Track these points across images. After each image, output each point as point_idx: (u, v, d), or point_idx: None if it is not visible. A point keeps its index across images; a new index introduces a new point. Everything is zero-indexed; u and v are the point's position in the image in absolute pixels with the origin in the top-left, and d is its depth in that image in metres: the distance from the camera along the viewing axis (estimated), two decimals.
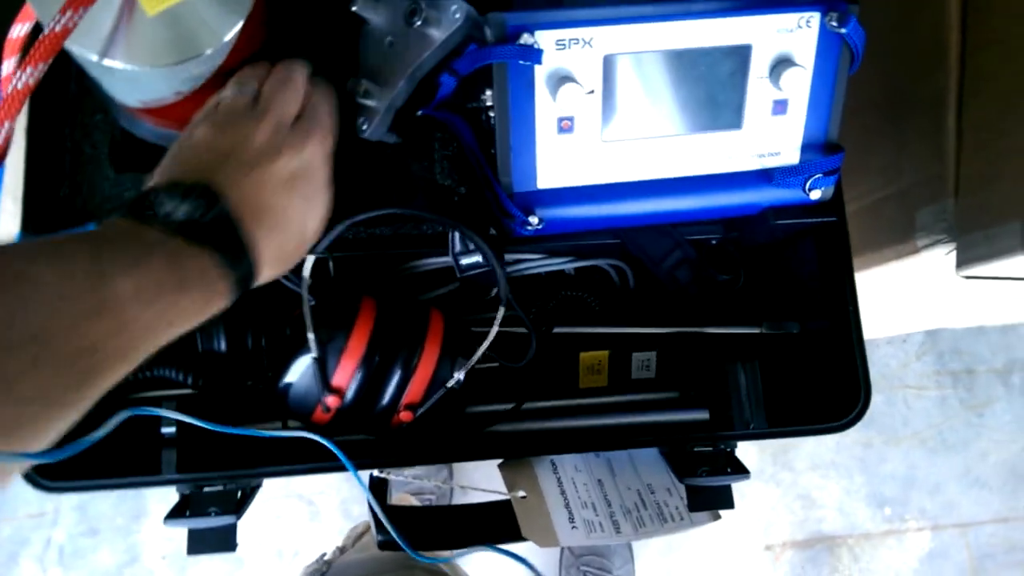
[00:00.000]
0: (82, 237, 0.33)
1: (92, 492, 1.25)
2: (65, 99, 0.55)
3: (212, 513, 0.47)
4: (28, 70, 0.40)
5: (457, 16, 0.51)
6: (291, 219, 0.40)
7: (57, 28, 0.39)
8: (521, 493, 0.51)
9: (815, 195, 0.54)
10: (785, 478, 1.43)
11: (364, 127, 0.51)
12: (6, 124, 0.43)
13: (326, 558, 0.85)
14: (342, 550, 0.88)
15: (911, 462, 1.45)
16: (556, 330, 0.61)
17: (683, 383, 0.63)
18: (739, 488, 0.54)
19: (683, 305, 0.61)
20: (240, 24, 0.44)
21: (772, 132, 0.53)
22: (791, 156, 0.54)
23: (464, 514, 0.52)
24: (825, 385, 0.58)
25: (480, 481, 0.55)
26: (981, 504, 1.45)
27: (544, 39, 0.48)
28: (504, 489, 0.53)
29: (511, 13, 0.48)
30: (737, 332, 0.61)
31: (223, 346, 0.54)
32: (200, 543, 0.47)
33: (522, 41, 0.47)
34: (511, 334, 0.58)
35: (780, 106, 0.52)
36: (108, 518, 1.27)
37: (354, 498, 1.26)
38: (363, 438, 0.53)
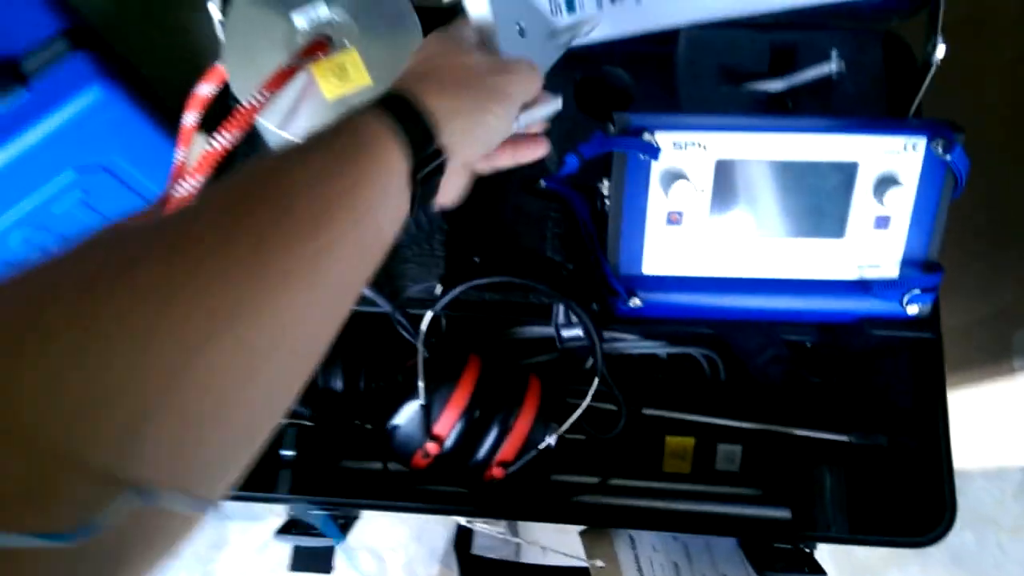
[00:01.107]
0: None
1: None
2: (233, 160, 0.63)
3: (315, 533, 0.51)
4: (225, 135, 0.47)
5: None
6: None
7: (253, 103, 0.46)
8: (600, 563, 0.53)
9: (912, 310, 0.56)
10: None
11: None
12: (199, 178, 0.50)
13: None
14: None
15: None
16: (645, 411, 0.63)
17: (767, 481, 0.64)
18: None
19: (772, 403, 0.62)
20: None
21: (873, 245, 0.55)
22: (890, 270, 0.56)
23: (544, 573, 0.54)
24: (909, 500, 0.58)
25: (543, 540, 0.57)
26: None
27: (663, 139, 0.53)
28: (574, 552, 0.55)
29: (635, 114, 0.54)
30: (825, 438, 0.62)
31: (340, 385, 0.59)
32: (302, 561, 0.51)
33: (644, 138, 0.52)
34: (601, 410, 0.61)
35: (882, 221, 0.55)
36: (188, 543, 1.32)
37: (420, 558, 1.28)
38: (455, 490, 0.56)
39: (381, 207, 0.34)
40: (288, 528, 0.52)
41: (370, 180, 0.34)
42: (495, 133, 0.44)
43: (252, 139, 0.62)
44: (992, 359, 0.71)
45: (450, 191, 0.47)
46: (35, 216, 0.97)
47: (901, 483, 0.59)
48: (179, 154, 0.59)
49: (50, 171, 0.95)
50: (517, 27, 0.49)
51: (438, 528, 1.30)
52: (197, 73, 0.59)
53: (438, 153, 0.39)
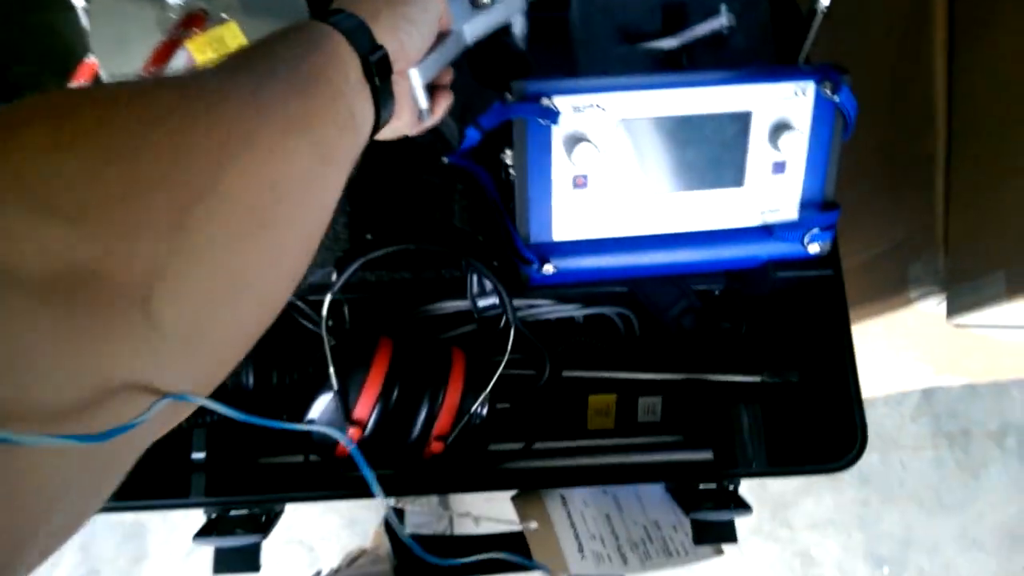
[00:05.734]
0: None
1: (96, 531, 1.25)
2: None
3: (238, 532, 0.49)
4: None
5: None
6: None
7: None
8: (533, 524, 0.53)
9: (813, 249, 0.58)
10: (783, 535, 1.44)
11: None
12: None
13: (323, 574, 0.86)
14: (336, 571, 0.89)
15: (908, 522, 1.46)
16: (565, 374, 0.64)
17: (687, 427, 0.66)
18: (738, 544, 0.56)
19: (687, 353, 0.64)
20: None
21: (772, 190, 0.57)
22: (790, 213, 0.58)
23: (479, 543, 0.54)
24: (822, 430, 0.61)
25: (476, 508, 0.58)
26: (978, 565, 1.45)
27: (561, 103, 0.52)
28: (510, 519, 0.55)
29: (531, 81, 0.53)
30: (739, 380, 0.64)
31: (251, 382, 0.56)
32: (226, 562, 0.49)
33: (542, 103, 0.52)
34: (524, 377, 0.61)
35: (779, 167, 0.56)
36: (109, 560, 1.27)
37: (355, 544, 1.27)
38: (385, 472, 0.55)
39: (349, 91, 0.36)
40: (208, 530, 0.50)
41: (334, 63, 0.35)
42: (423, 19, 0.43)
43: None
44: (890, 292, 0.75)
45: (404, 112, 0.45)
46: None
47: (813, 415, 0.62)
48: None
49: None
50: None
51: (367, 513, 1.29)
52: (68, 74, 0.55)
53: (378, 47, 0.39)
